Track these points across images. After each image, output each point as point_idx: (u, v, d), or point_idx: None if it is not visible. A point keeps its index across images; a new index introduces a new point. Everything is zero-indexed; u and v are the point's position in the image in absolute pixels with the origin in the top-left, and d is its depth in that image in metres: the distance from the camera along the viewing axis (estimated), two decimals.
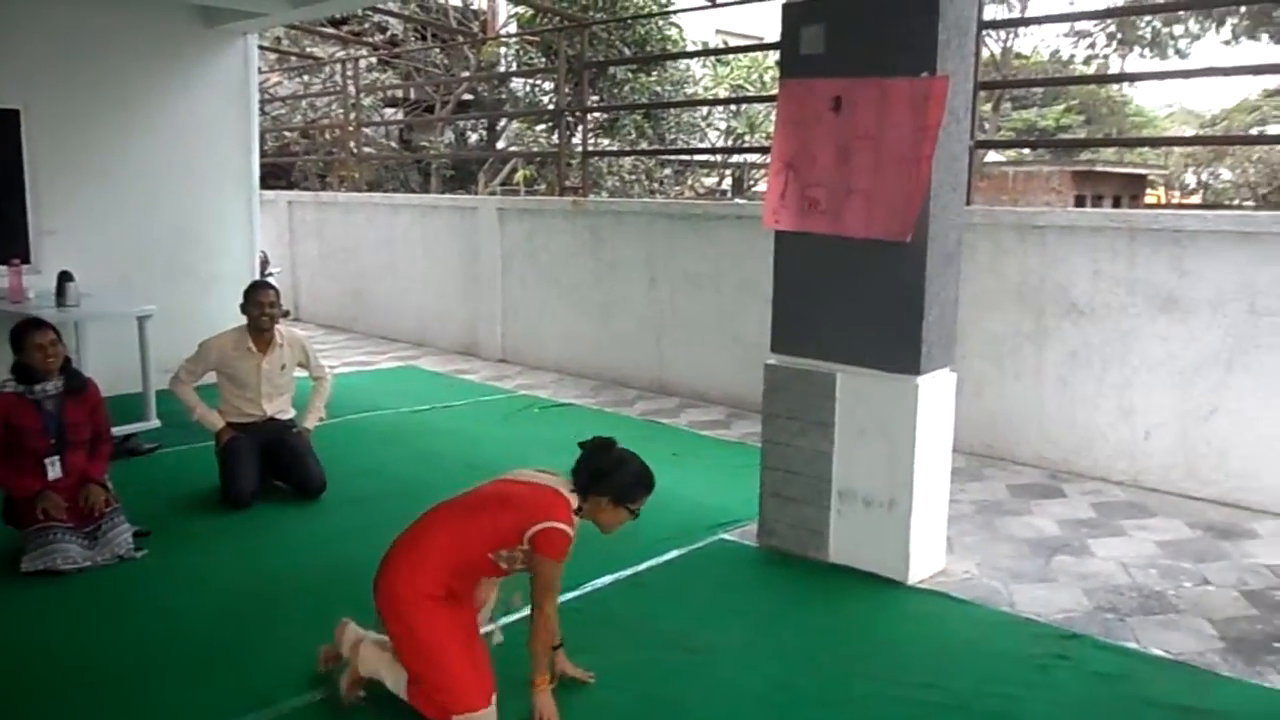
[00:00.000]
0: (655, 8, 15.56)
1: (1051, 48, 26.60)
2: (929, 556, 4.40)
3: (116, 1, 7.39)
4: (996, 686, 3.42)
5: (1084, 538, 4.90)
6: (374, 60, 16.44)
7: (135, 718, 3.20)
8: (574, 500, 3.15)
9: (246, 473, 5.18)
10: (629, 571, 4.34)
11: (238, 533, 4.87)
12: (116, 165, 7.63)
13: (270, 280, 7.58)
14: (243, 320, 5.43)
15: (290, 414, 5.59)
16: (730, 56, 16.81)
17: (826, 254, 4.36)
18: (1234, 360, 5.39)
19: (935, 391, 4.29)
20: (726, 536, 4.88)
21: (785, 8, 4.37)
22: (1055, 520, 5.17)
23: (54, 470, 4.39)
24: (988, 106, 22.52)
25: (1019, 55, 25.33)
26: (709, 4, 9.86)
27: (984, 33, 8.24)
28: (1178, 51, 22.69)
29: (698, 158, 18.47)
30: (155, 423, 6.58)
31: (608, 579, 4.24)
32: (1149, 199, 26.86)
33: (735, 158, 18.96)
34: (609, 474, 3.18)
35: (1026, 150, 27.08)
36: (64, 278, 6.57)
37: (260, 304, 5.36)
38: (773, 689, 3.41)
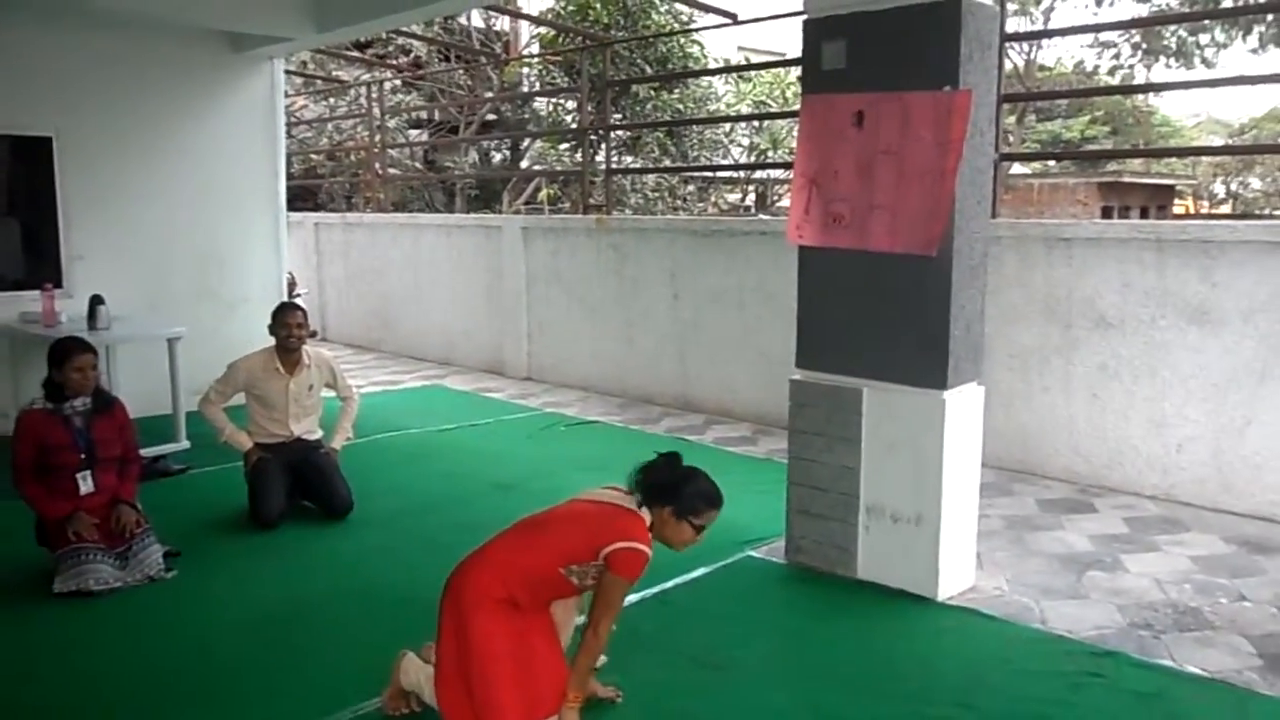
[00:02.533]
0: (677, 26, 15.62)
1: (1076, 59, 26.49)
2: (959, 572, 4.36)
3: (145, 28, 7.49)
4: (1029, 705, 3.38)
5: (1116, 553, 4.84)
6: (398, 82, 16.60)
7: None
8: (647, 518, 3.12)
9: (274, 493, 5.21)
10: (656, 589, 4.32)
11: (266, 553, 4.89)
12: (146, 190, 7.72)
13: (298, 301, 7.65)
14: (270, 341, 5.48)
15: (318, 434, 5.62)
16: (752, 73, 16.84)
17: (851, 269, 4.35)
18: (1267, 372, 5.31)
19: (963, 406, 4.26)
20: (753, 553, 4.86)
21: (806, 24, 4.38)
22: (1087, 535, 5.10)
23: (85, 485, 4.43)
24: (1012, 119, 22.43)
25: (1043, 67, 25.23)
26: (730, 21, 9.87)
27: (1007, 45, 8.22)
28: (1204, 61, 22.51)
29: (721, 174, 18.47)
30: (185, 444, 6.66)
31: (634, 597, 4.21)
32: (1177, 209, 26.61)
33: (758, 173, 18.95)
34: (675, 488, 3.14)
35: (1052, 162, 26.93)
36: (95, 301, 6.68)
37: (288, 325, 5.40)
38: (800, 707, 3.38)
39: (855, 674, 3.63)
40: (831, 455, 4.49)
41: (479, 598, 3.00)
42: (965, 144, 3.95)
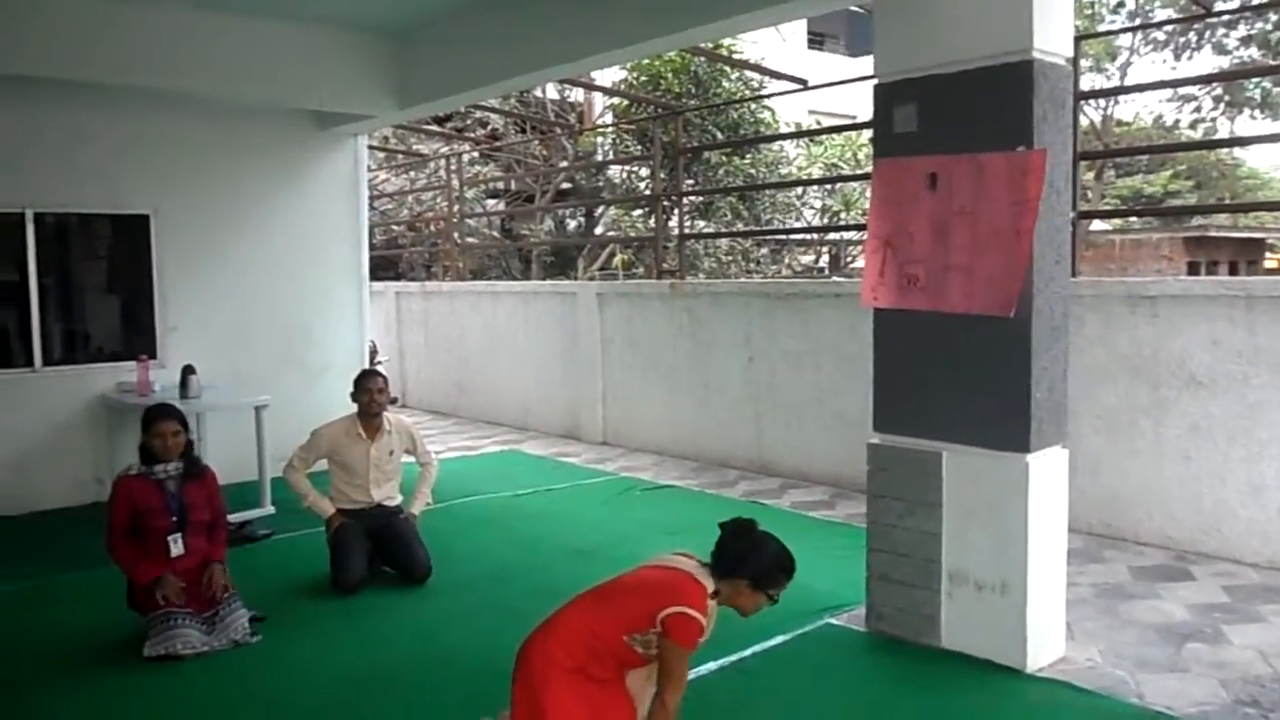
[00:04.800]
0: (748, 93, 15.82)
1: (1155, 113, 26.06)
2: (1048, 643, 4.21)
3: (237, 110, 7.86)
4: None
5: (1217, 624, 4.62)
6: (476, 154, 17.06)
7: None
8: (710, 585, 3.07)
9: (355, 559, 5.29)
10: (733, 658, 4.25)
11: (347, 617, 4.95)
12: (236, 263, 8.03)
13: (379, 369, 7.82)
14: (353, 408, 5.60)
15: (398, 500, 5.70)
16: (823, 136, 16.93)
17: (928, 331, 4.30)
18: None
19: (1047, 469, 4.15)
20: (833, 621, 4.75)
21: (877, 88, 4.40)
22: (1184, 605, 4.89)
23: (176, 547, 4.56)
24: (1090, 175, 22.08)
25: (1120, 122, 24.86)
26: (800, 87, 9.97)
27: (1082, 102, 8.13)
28: None
29: (794, 237, 18.50)
30: (270, 509, 6.81)
31: (712, 665, 4.15)
32: (1269, 263, 25.78)
33: (832, 235, 18.95)
34: (747, 557, 3.10)
35: (1134, 218, 26.39)
36: (187, 371, 6.93)
37: (369, 391, 5.53)
38: None
39: None
40: (912, 520, 4.40)
41: (548, 667, 2.99)
42: (1041, 203, 3.91)
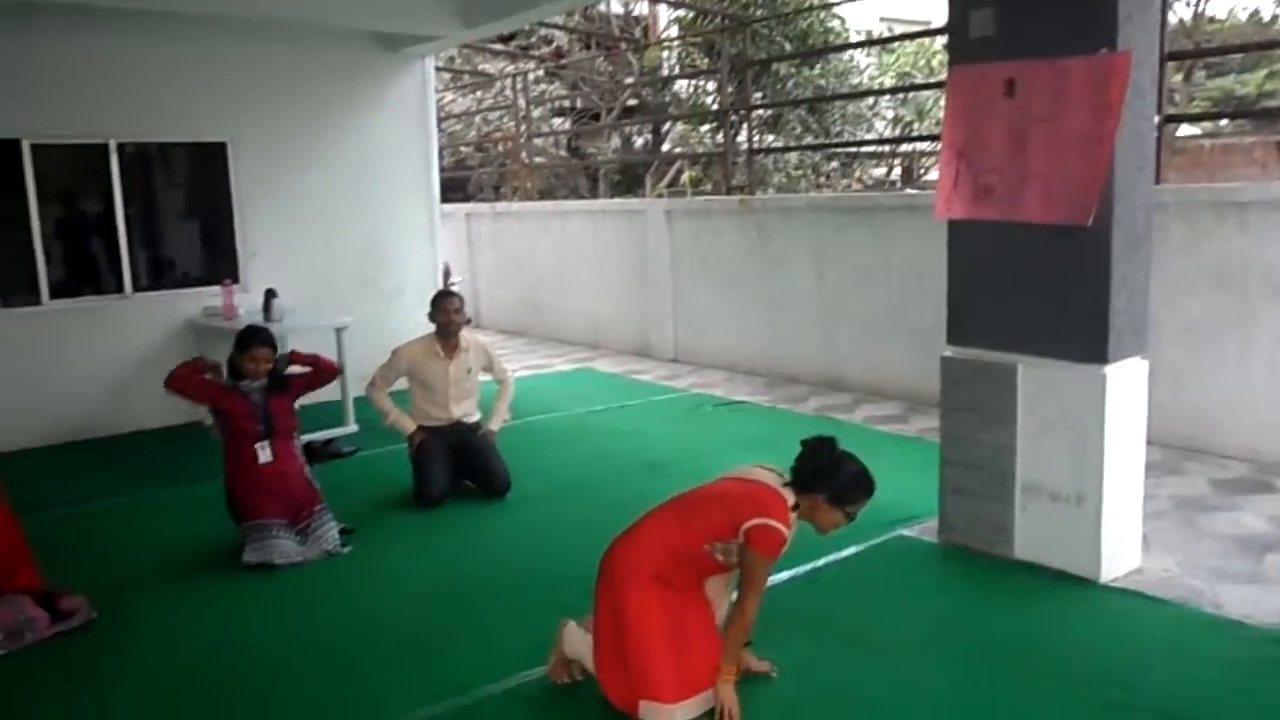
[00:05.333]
0: (815, 1, 15.38)
1: (1249, 8, 24.67)
2: (1123, 554, 4.21)
3: (307, 35, 7.91)
4: (1201, 690, 3.25)
5: None
6: (541, 73, 16.92)
7: (347, 699, 3.43)
8: (791, 498, 3.14)
9: (438, 473, 5.47)
10: (807, 567, 4.34)
11: (431, 530, 5.15)
12: (310, 188, 8.17)
13: (454, 289, 7.94)
14: (430, 328, 5.73)
15: (476, 416, 5.85)
16: (895, 44, 16.41)
17: (1003, 242, 4.24)
18: None
19: (1125, 381, 4.10)
20: (906, 532, 4.81)
21: None
22: (1265, 517, 4.84)
23: (265, 454, 4.77)
24: (1178, 76, 21.10)
25: (1212, 19, 23.61)
26: None
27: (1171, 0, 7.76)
28: None
29: (865, 149, 18.10)
30: (353, 428, 7.04)
31: (785, 575, 4.24)
32: None
33: (904, 146, 18.49)
34: (827, 473, 3.15)
35: (1224, 121, 25.21)
36: (269, 295, 7.13)
37: (446, 311, 5.64)
38: (955, 687, 3.35)
39: (1012, 655, 3.56)
40: (986, 433, 4.40)
41: (630, 574, 3.10)
42: (1124, 108, 3.79)
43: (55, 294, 7.20)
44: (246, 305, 7.38)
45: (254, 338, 4.84)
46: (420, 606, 4.19)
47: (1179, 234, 5.90)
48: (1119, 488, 4.13)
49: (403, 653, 3.76)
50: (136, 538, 5.13)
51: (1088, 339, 4.04)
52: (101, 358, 7.36)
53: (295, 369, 5.05)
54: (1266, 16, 23.06)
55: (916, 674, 3.45)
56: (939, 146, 4.56)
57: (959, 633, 3.78)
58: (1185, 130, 22.55)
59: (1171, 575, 4.19)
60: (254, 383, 4.82)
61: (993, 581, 4.21)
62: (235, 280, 7.73)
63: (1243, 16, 23.75)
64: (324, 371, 5.16)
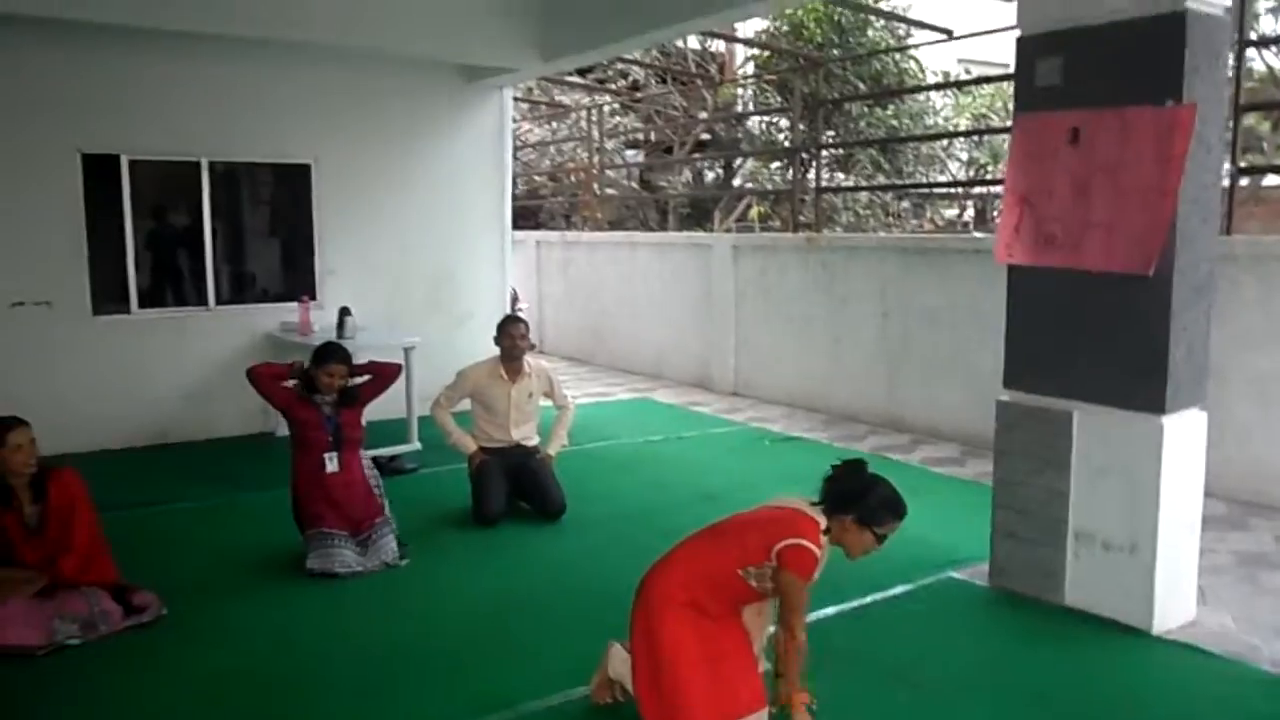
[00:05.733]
0: (892, 43, 15.41)
1: None
2: (1177, 606, 4.16)
3: (391, 64, 8.22)
4: None
5: None
6: (616, 105, 17.20)
7: (395, 707, 3.55)
8: (822, 521, 3.18)
9: (496, 493, 5.61)
10: (854, 604, 4.37)
11: (487, 547, 5.27)
12: (387, 210, 8.48)
13: (520, 315, 8.13)
14: (494, 353, 5.88)
15: (535, 440, 5.98)
16: (972, 86, 16.36)
17: (1063, 288, 4.26)
18: None
19: (1183, 431, 4.08)
20: (955, 575, 4.80)
21: (1020, 41, 4.33)
22: None
23: (332, 465, 4.93)
24: (1266, 125, 20.61)
25: None
26: (945, 38, 9.72)
27: (1261, 49, 7.66)
28: None
29: (937, 190, 18.01)
30: (417, 445, 7.23)
31: (831, 610, 4.28)
32: None
33: (978, 189, 18.37)
34: (858, 496, 3.19)
35: None
36: (344, 313, 7.37)
37: (511, 335, 5.80)
38: None
39: (1059, 702, 3.55)
40: (1040, 478, 4.40)
41: (664, 601, 3.15)
42: (1188, 160, 3.80)
43: (143, 303, 7.55)
44: (321, 322, 7.64)
45: (331, 354, 5.02)
46: (470, 622, 4.30)
47: (1251, 286, 5.83)
48: (1174, 538, 4.10)
49: (450, 665, 3.87)
50: (207, 540, 5.36)
51: (1146, 388, 4.04)
52: (183, 366, 7.68)
53: (358, 380, 5.19)
54: None
55: (958, 715, 3.46)
56: (1003, 191, 4.60)
57: (1004, 676, 3.77)
58: (1271, 180, 21.98)
59: (1227, 630, 4.13)
60: (326, 396, 5.01)
61: (1041, 627, 4.19)
62: (312, 297, 8.02)
63: None
64: (385, 375, 5.28)
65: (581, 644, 3.84)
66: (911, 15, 13.97)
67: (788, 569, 3.09)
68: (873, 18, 15.06)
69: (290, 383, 5.06)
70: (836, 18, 14.83)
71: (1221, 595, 4.49)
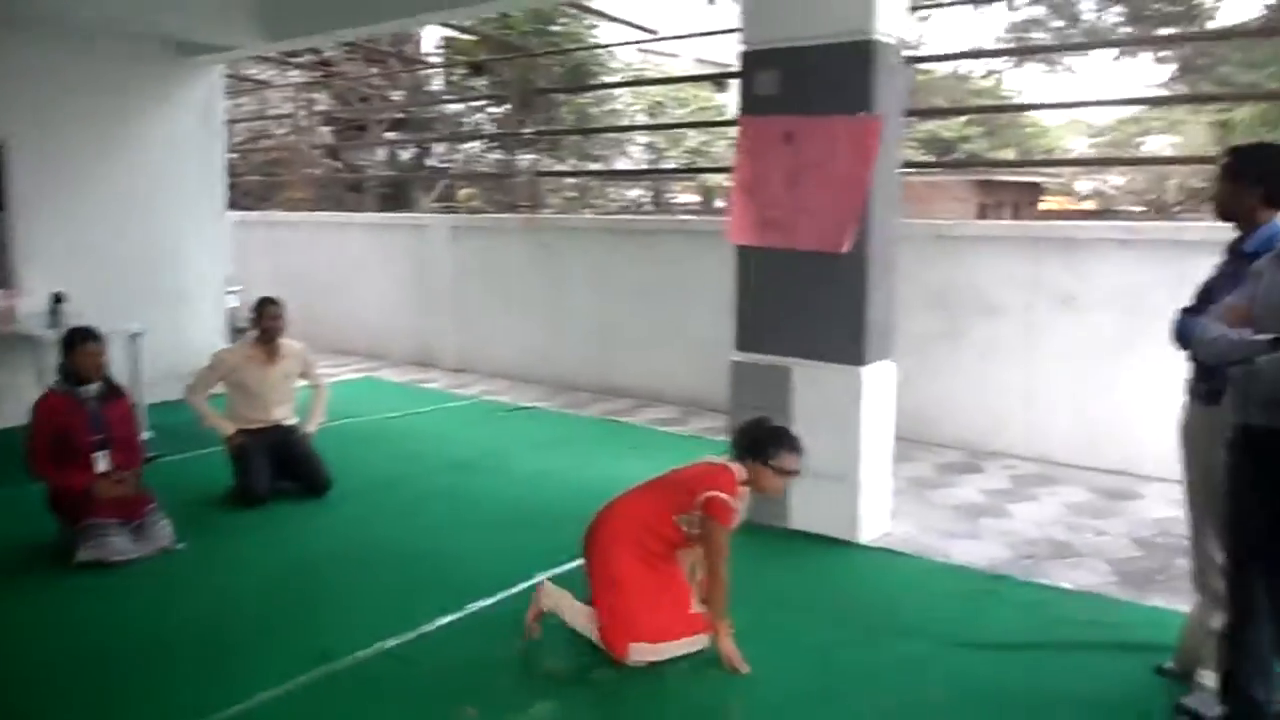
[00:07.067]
0: (582, 27, 16.23)
1: (952, 67, 28.03)
2: (876, 520, 5.16)
3: (96, 35, 7.76)
4: (941, 613, 4.20)
5: (1002, 503, 5.73)
6: (307, 81, 16.76)
7: (210, 681, 3.63)
8: (741, 472, 3.74)
9: (262, 471, 5.68)
10: None
11: (261, 525, 5.37)
12: (98, 191, 7.99)
13: (274, 297, 8.01)
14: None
15: (293, 419, 6.09)
16: (648, 77, 17.65)
17: (781, 265, 5.09)
18: (1124, 349, 6.28)
19: (877, 379, 5.05)
20: None
21: (745, 55, 5.10)
22: (977, 490, 6.00)
23: (103, 463, 4.84)
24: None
25: (921, 71, 26.66)
26: (652, 37, 10.57)
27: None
28: (1068, 69, 24.23)
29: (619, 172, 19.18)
30: (147, 434, 6.97)
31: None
32: (1044, 205, 28.39)
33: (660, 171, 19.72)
34: (753, 442, 3.79)
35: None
36: (57, 299, 6.96)
37: (268, 316, 5.86)
38: (756, 625, 4.02)
39: (794, 600, 4.37)
40: None
41: (614, 540, 3.69)
42: (877, 159, 4.73)
43: None
44: (29, 309, 7.14)
45: (83, 335, 4.90)
46: (271, 589, 4.47)
47: (906, 260, 7.02)
48: (873, 467, 5.07)
49: (258, 632, 4.01)
50: None
51: (847, 345, 4.95)
52: None
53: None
54: (964, 71, 26.28)
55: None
56: (726, 179, 5.36)
57: (749, 588, 4.45)
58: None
59: (912, 536, 5.18)
60: (90, 389, 4.88)
61: (774, 546, 5.02)
62: (4, 285, 7.41)
63: (944, 71, 26.79)
64: (132, 453, 5.10)
65: (379, 599, 4.25)
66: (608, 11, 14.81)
67: (712, 517, 3.62)
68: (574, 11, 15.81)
69: (54, 386, 4.88)
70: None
71: (905, 510, 5.56)
